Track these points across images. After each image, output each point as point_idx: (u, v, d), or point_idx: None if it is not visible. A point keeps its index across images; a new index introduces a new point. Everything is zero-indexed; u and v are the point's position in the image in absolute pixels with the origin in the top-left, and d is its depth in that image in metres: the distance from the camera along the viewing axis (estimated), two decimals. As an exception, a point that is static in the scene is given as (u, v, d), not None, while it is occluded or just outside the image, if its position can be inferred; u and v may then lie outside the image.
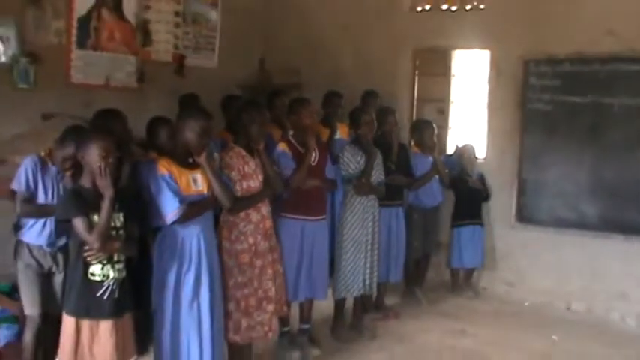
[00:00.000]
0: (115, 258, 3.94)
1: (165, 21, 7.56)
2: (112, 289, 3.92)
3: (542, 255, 7.29)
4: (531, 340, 6.15)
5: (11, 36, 6.08)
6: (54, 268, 4.58)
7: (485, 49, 7.61)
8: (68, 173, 4.32)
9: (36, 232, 4.51)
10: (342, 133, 6.98)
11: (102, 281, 3.90)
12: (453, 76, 7.98)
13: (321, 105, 7.00)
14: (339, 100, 7.07)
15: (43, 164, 4.51)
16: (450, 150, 7.79)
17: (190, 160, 4.39)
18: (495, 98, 7.54)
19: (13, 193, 4.49)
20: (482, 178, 7.45)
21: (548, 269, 7.24)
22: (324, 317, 6.19)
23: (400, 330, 6.31)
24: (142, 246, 4.70)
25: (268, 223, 4.98)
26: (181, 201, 4.23)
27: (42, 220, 4.47)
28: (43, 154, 4.57)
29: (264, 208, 4.94)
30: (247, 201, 4.77)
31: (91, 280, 3.89)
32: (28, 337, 4.60)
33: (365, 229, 5.87)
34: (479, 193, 7.40)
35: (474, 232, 7.38)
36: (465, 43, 7.77)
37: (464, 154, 7.41)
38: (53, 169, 4.51)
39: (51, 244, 4.52)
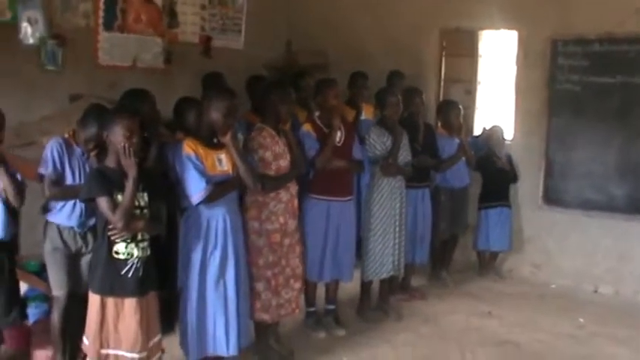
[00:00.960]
0: (139, 237, 3.97)
1: (191, 2, 7.55)
2: (135, 267, 3.95)
3: (569, 237, 7.24)
4: (558, 323, 6.12)
5: (39, 18, 6.10)
6: (83, 249, 4.61)
7: (512, 29, 7.53)
8: (92, 153, 4.35)
9: (66, 214, 4.52)
10: (367, 113, 7.00)
11: (126, 260, 3.93)
12: (480, 56, 7.92)
13: (346, 86, 6.99)
14: (364, 81, 7.06)
15: (67, 145, 4.52)
16: (477, 131, 7.74)
17: (215, 140, 4.41)
18: (523, 79, 7.46)
19: (41, 176, 4.52)
20: (509, 160, 7.39)
21: (575, 251, 7.20)
22: (350, 298, 6.21)
23: (426, 311, 6.32)
24: (170, 226, 4.76)
25: (296, 202, 5.02)
26: (207, 181, 4.25)
27: (71, 202, 4.50)
28: (67, 135, 4.59)
29: (293, 188, 4.98)
30: (279, 180, 4.81)
31: (116, 258, 3.92)
32: (55, 316, 4.64)
33: (392, 210, 5.85)
34: (506, 174, 7.34)
35: (501, 214, 7.33)
36: (492, 24, 7.68)
37: (492, 135, 7.35)
38: (78, 150, 4.53)
39: (81, 224, 4.54)
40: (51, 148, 4.47)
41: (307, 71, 7.43)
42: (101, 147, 4.16)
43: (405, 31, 8.03)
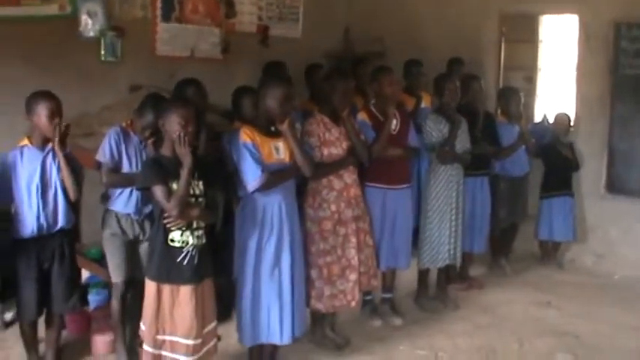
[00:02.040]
0: (195, 225, 3.99)
1: (248, -8, 7.61)
2: (191, 255, 3.97)
3: (632, 226, 7.07)
4: (620, 314, 5.98)
5: (98, 11, 6.22)
6: (141, 236, 4.70)
7: (574, 13, 7.36)
8: (149, 141, 4.42)
9: (123, 201, 4.62)
10: (426, 102, 6.93)
11: (181, 247, 3.96)
12: (541, 42, 7.79)
13: (402, 75, 6.93)
14: (418, 69, 7.01)
15: (125, 134, 4.61)
16: (538, 118, 7.61)
17: (272, 129, 4.42)
18: (585, 64, 7.29)
19: (99, 165, 4.60)
20: (572, 148, 7.25)
21: (639, 241, 7.00)
22: (408, 287, 6.19)
23: (484, 300, 6.25)
24: (227, 214, 4.80)
25: (353, 192, 4.99)
26: (263, 169, 4.26)
27: (128, 189, 4.58)
28: (124, 124, 4.67)
29: (348, 176, 4.95)
30: (327, 168, 4.79)
31: (171, 246, 3.96)
32: (115, 303, 4.75)
33: (449, 198, 5.79)
34: (569, 162, 7.20)
35: (564, 203, 7.19)
36: (553, 8, 7.54)
37: (559, 122, 7.21)
38: (135, 139, 4.61)
39: (138, 211, 4.63)
40: (109, 137, 4.57)
41: (366, 59, 7.40)
42: (157, 135, 4.21)
43: (463, 16, 7.93)
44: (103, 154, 4.54)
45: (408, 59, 7.14)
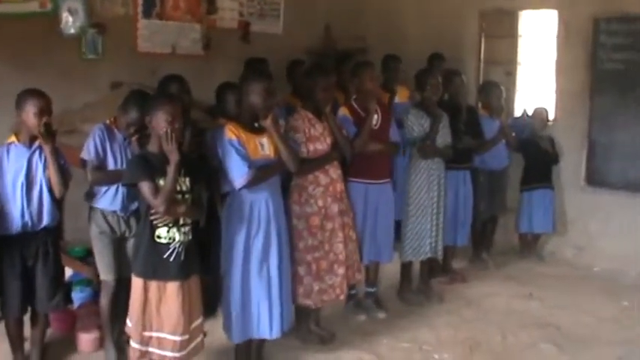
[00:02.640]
0: (181, 221, 3.99)
1: (229, -12, 7.61)
2: (177, 251, 3.97)
3: (612, 219, 7.12)
4: (600, 306, 6.05)
5: (79, 8, 6.21)
6: (127, 233, 4.70)
7: (553, 8, 7.42)
8: (134, 138, 4.42)
9: (109, 198, 4.62)
10: (401, 97, 6.98)
11: (168, 244, 3.96)
12: (520, 37, 7.84)
13: (380, 70, 6.96)
14: (396, 64, 7.05)
15: (109, 132, 4.60)
16: (518, 113, 7.67)
17: (256, 125, 4.42)
18: (564, 59, 7.35)
19: (84, 162, 4.59)
20: (551, 141, 7.30)
21: (619, 234, 7.06)
22: (391, 281, 6.22)
23: (467, 294, 6.30)
24: (210, 211, 4.80)
25: (339, 187, 5.02)
26: (250, 165, 4.27)
27: (114, 186, 4.57)
28: (108, 121, 4.66)
29: (334, 171, 4.97)
30: (313, 163, 4.81)
31: (158, 242, 3.96)
32: (104, 301, 4.74)
33: (430, 192, 5.83)
34: (549, 155, 7.26)
35: (544, 196, 7.26)
36: (532, 3, 7.62)
37: (536, 117, 7.27)
38: (120, 136, 4.61)
39: (124, 208, 4.63)
40: (93, 135, 4.56)
41: (348, 56, 7.42)
42: (142, 132, 4.20)
43: (444, 13, 7.98)
44: (88, 152, 4.53)
45: (386, 54, 7.17)
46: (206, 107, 5.72)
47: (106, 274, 4.71)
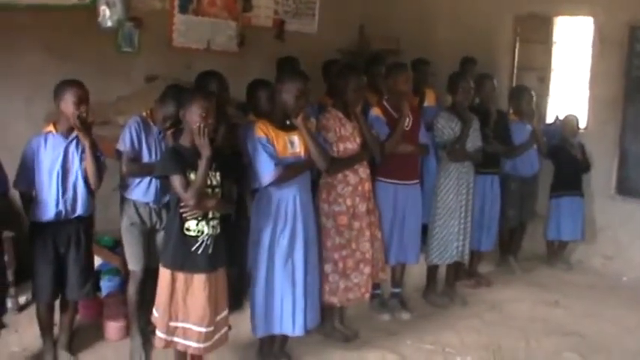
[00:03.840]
0: (210, 215, 4.04)
1: (265, -14, 7.66)
2: (206, 244, 4.03)
3: (642, 229, 7.06)
4: (627, 316, 6.00)
5: (117, 1, 6.21)
6: (158, 225, 4.76)
7: (588, 15, 7.38)
8: (169, 132, 4.48)
9: (143, 190, 4.69)
10: (429, 100, 7.00)
11: (196, 236, 4.02)
12: (555, 43, 7.80)
13: (410, 72, 6.98)
14: (425, 68, 7.04)
15: (145, 124, 4.67)
16: (550, 119, 7.63)
17: (288, 122, 4.46)
18: (598, 66, 7.31)
19: (119, 153, 4.66)
20: (582, 148, 7.25)
21: (648, 244, 7.01)
22: (417, 282, 6.24)
23: (491, 298, 6.29)
24: (240, 206, 4.85)
25: (367, 186, 5.05)
26: (277, 163, 4.30)
27: (148, 178, 4.64)
28: (145, 114, 4.73)
29: (363, 171, 5.00)
30: (344, 162, 4.84)
31: (187, 235, 4.01)
32: (132, 290, 4.81)
33: (459, 195, 5.83)
34: (579, 163, 7.20)
35: (572, 203, 7.20)
36: (567, 10, 7.57)
37: (566, 124, 7.22)
38: (155, 129, 4.68)
39: (157, 200, 4.70)
40: (129, 126, 4.63)
41: (381, 57, 7.45)
42: (177, 126, 4.25)
43: (478, 16, 7.96)
44: (124, 144, 4.60)
45: (416, 57, 7.16)
46: (238, 104, 5.77)
47: (134, 264, 4.78)
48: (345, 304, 5.07)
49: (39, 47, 5.90)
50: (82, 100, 4.31)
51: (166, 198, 4.55)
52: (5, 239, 4.75)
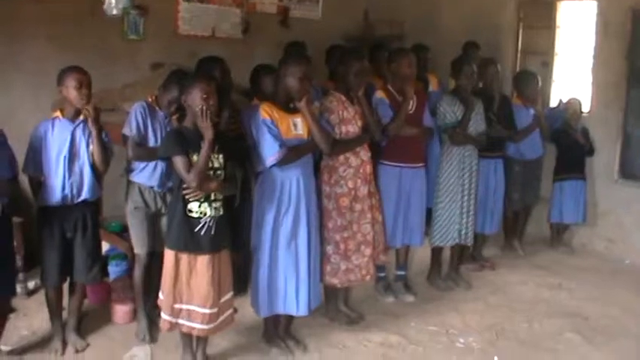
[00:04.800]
0: (213, 197, 4.10)
1: (270, -27, 7.69)
2: (208, 225, 4.09)
3: (645, 212, 7.09)
4: (630, 298, 6.04)
5: (122, -11, 6.33)
6: (163, 209, 4.82)
7: (592, -1, 7.39)
8: (174, 117, 4.54)
9: (148, 174, 4.76)
10: (432, 85, 7.03)
11: (199, 218, 4.08)
12: (558, 27, 7.80)
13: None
14: (425, 53, 7.01)
15: (150, 109, 4.74)
16: (553, 103, 7.65)
17: (291, 105, 4.51)
18: (602, 50, 7.30)
19: (125, 138, 4.72)
20: (585, 132, 7.26)
21: (651, 227, 7.04)
22: (421, 265, 6.30)
23: (496, 281, 6.34)
24: (244, 189, 4.91)
25: (369, 168, 5.09)
26: (281, 145, 4.36)
27: (153, 163, 4.71)
28: (150, 99, 4.79)
29: (364, 154, 5.04)
30: (345, 144, 4.88)
31: (189, 216, 4.08)
32: (137, 273, 4.89)
33: (461, 179, 5.87)
34: (582, 147, 7.21)
35: (576, 187, 7.22)
36: (571, -6, 7.58)
37: (569, 108, 7.24)
38: (160, 114, 4.74)
39: (161, 184, 4.77)
40: (135, 111, 4.69)
41: (384, 43, 7.47)
42: (182, 110, 4.31)
43: (481, 1, 7.96)
44: (130, 128, 4.66)
45: (414, 43, 7.13)
46: (243, 90, 5.82)
47: (139, 247, 4.85)
48: (345, 285, 5.12)
49: (43, 36, 5.96)
50: (82, 84, 4.37)
51: (171, 182, 4.61)
52: (14, 225, 4.81)
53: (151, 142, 4.70)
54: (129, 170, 4.83)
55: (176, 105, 4.49)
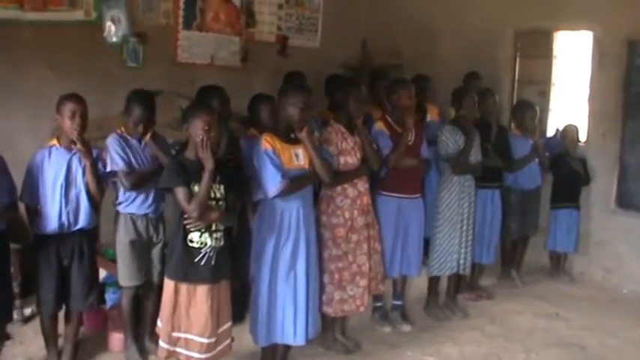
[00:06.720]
0: (214, 227, 4.10)
1: (269, 2, 7.75)
2: (209, 256, 4.09)
3: (643, 242, 7.08)
4: (627, 329, 6.02)
5: (122, 17, 6.38)
6: (154, 238, 4.84)
7: (588, 29, 7.42)
8: (148, 137, 4.59)
9: (139, 203, 4.76)
10: (432, 114, 7.04)
11: (200, 248, 4.08)
12: (555, 57, 7.85)
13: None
14: (425, 84, 7.01)
15: (123, 139, 4.74)
16: (550, 132, 7.68)
17: (292, 136, 4.52)
18: (598, 80, 7.34)
19: (114, 174, 4.69)
20: (583, 162, 7.29)
21: (648, 257, 7.04)
22: (418, 295, 6.28)
23: (492, 311, 6.32)
24: (242, 218, 4.92)
25: (366, 199, 5.10)
26: (283, 175, 4.36)
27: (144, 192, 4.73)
28: (119, 131, 4.80)
29: (362, 185, 5.06)
30: (344, 176, 4.90)
31: (190, 246, 4.08)
32: (125, 304, 4.91)
33: (460, 208, 5.88)
34: (579, 176, 7.23)
35: (570, 216, 7.23)
36: (567, 24, 7.60)
37: (567, 134, 7.26)
38: (134, 141, 4.75)
39: (155, 210, 4.79)
40: (112, 145, 4.68)
41: (383, 72, 7.51)
42: (150, 128, 4.29)
43: (479, 31, 8.01)
44: (115, 163, 4.64)
45: (415, 73, 7.12)
46: (240, 118, 5.84)
47: (126, 280, 4.86)
48: (339, 314, 5.11)
49: (45, 63, 5.98)
50: (76, 113, 4.38)
51: (162, 206, 4.62)
52: (12, 251, 4.81)
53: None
54: (116, 204, 4.82)
55: (143, 123, 4.61)
